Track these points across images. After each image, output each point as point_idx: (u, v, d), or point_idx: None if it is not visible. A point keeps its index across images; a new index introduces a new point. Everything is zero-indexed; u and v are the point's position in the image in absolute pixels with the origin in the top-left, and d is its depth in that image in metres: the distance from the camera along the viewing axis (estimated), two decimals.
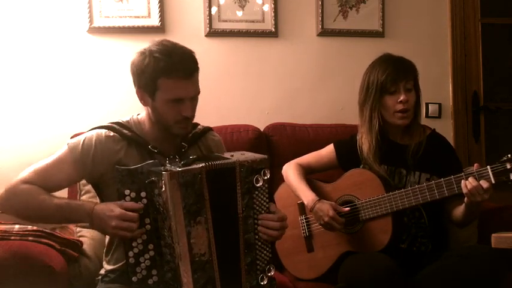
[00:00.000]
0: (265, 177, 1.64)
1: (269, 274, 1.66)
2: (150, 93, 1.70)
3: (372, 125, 2.09)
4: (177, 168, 1.53)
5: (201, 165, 1.56)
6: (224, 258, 1.59)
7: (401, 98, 2.03)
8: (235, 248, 1.62)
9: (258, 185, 1.63)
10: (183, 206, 1.52)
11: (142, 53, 1.71)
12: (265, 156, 1.67)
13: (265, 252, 1.66)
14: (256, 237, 1.65)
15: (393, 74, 2.04)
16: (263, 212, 1.66)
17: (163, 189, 1.51)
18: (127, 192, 1.60)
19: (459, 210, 1.97)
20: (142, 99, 1.75)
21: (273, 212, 1.71)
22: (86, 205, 1.65)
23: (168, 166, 1.54)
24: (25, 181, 1.68)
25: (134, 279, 1.60)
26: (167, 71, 1.65)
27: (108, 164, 1.71)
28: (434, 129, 2.22)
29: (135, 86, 1.75)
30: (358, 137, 2.18)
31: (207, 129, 1.94)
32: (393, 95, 2.05)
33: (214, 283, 1.57)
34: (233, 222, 1.62)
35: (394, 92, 2.05)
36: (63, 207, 1.65)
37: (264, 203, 1.66)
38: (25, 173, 1.71)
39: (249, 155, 1.67)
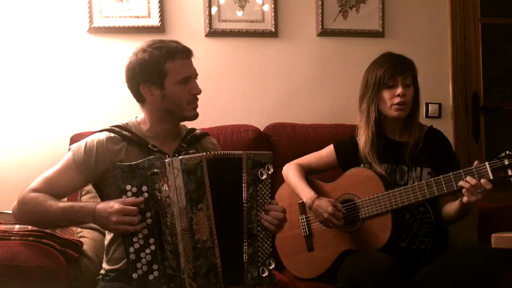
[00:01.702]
0: (269, 172, 1.68)
1: (270, 267, 1.67)
2: (158, 83, 1.77)
3: (369, 118, 2.13)
4: (179, 157, 1.59)
5: (202, 154, 1.62)
6: (226, 246, 1.61)
7: (399, 91, 2.07)
8: (238, 238, 1.64)
9: (263, 178, 1.67)
10: (185, 192, 1.55)
11: (138, 52, 1.79)
12: (270, 152, 1.72)
13: (266, 245, 1.68)
14: (259, 229, 1.67)
15: (391, 69, 2.09)
16: (266, 204, 1.69)
17: (166, 176, 1.56)
18: (128, 187, 1.62)
19: (451, 207, 1.98)
20: (150, 94, 1.79)
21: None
22: (88, 205, 1.68)
23: (169, 159, 1.59)
24: (33, 189, 1.74)
25: (135, 275, 1.60)
26: (171, 55, 1.76)
27: (110, 163, 1.75)
28: (431, 125, 2.23)
29: (137, 84, 1.79)
30: (357, 136, 2.19)
31: (205, 134, 1.99)
32: (391, 89, 2.09)
33: (216, 271, 1.58)
34: (237, 211, 1.64)
35: (392, 86, 2.09)
36: (68, 209, 1.69)
37: (267, 197, 1.69)
38: (34, 182, 1.76)
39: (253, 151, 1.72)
